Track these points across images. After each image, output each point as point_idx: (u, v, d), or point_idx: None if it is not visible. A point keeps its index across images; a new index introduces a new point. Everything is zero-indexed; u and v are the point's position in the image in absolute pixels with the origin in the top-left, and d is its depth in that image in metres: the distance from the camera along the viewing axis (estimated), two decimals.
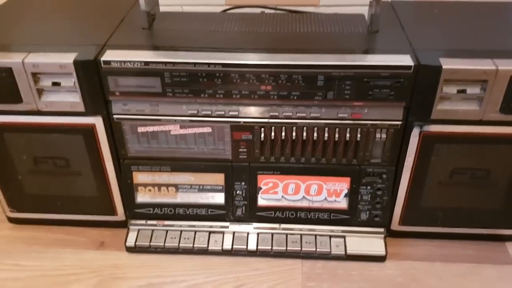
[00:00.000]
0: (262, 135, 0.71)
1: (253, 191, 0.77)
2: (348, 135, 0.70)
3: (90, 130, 0.71)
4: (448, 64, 0.63)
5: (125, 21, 0.76)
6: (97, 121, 0.71)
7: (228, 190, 0.77)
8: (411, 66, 0.63)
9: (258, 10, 0.87)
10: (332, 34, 0.73)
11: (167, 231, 0.79)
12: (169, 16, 0.78)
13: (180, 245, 0.78)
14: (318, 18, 0.77)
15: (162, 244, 0.78)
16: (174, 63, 0.65)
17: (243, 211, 0.78)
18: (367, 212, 0.76)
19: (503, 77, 0.62)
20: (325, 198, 0.76)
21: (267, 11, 0.87)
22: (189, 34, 0.73)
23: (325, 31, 0.73)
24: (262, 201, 0.78)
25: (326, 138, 0.70)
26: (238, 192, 0.77)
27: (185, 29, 0.74)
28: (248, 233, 0.79)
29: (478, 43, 0.69)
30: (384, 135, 0.70)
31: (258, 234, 0.78)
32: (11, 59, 0.66)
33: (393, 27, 0.74)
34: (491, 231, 0.78)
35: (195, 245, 0.78)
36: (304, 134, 0.70)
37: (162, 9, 0.80)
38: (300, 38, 0.72)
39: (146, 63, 0.65)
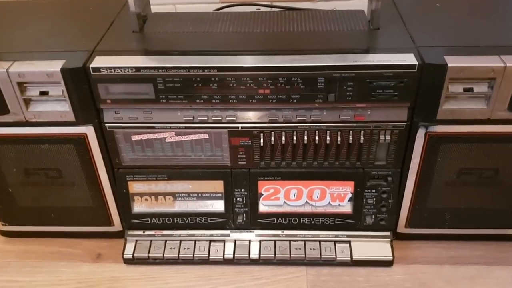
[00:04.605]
0: (262, 140, 0.68)
1: (253, 197, 0.74)
2: (351, 137, 0.67)
3: (81, 140, 0.69)
4: (454, 62, 0.60)
5: (114, 25, 0.73)
6: (89, 130, 0.68)
7: (228, 197, 0.74)
8: (415, 65, 0.61)
9: (253, 8, 0.84)
10: (331, 32, 0.70)
11: (166, 241, 0.77)
12: (161, 17, 0.75)
13: (180, 255, 0.76)
14: (316, 15, 0.74)
15: (161, 254, 0.76)
16: (167, 68, 0.62)
17: (244, 219, 0.76)
18: (373, 216, 0.74)
19: (511, 74, 0.60)
20: (329, 203, 0.74)
21: (262, 8, 0.84)
22: (182, 37, 0.70)
23: (324, 29, 0.70)
24: (263, 207, 0.75)
25: (328, 142, 0.68)
26: (238, 199, 0.74)
27: (178, 31, 0.71)
28: (250, 241, 0.76)
29: (483, 39, 0.67)
30: (388, 137, 0.67)
31: (260, 241, 0.76)
32: None
33: (394, 23, 0.71)
34: (501, 231, 0.76)
35: (195, 255, 0.75)
36: (305, 138, 0.68)
37: (154, 9, 0.77)
38: (298, 38, 0.69)
39: (138, 69, 0.62)
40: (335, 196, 0.73)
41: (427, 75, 0.61)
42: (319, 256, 0.74)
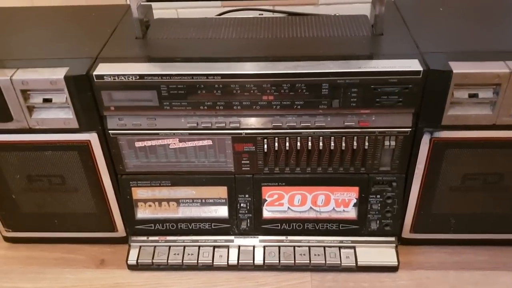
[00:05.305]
0: (265, 146, 0.68)
1: (257, 203, 0.74)
2: (355, 143, 0.67)
3: (85, 147, 0.68)
4: (458, 68, 0.60)
5: (117, 31, 0.73)
6: (92, 137, 0.68)
7: (232, 203, 0.74)
8: (420, 71, 0.60)
9: (256, 13, 0.84)
10: (334, 38, 0.69)
11: (169, 247, 0.76)
12: (163, 23, 0.75)
13: (184, 261, 0.75)
14: (319, 20, 0.74)
15: (165, 260, 0.75)
16: (170, 76, 0.62)
17: (248, 224, 0.76)
18: (377, 221, 0.74)
19: None
20: (333, 209, 0.74)
21: (265, 13, 0.83)
22: (186, 43, 0.69)
23: (327, 35, 0.70)
24: (267, 213, 0.75)
25: (332, 148, 0.67)
26: (242, 205, 0.74)
27: (181, 37, 0.71)
28: (254, 247, 0.76)
29: (488, 44, 0.66)
30: (393, 143, 0.67)
31: (264, 247, 0.76)
32: None
33: (398, 28, 0.71)
34: (505, 236, 0.76)
35: (199, 261, 0.75)
36: (309, 144, 0.67)
37: (156, 13, 0.77)
38: (301, 44, 0.69)
39: (141, 76, 0.62)
40: (340, 202, 0.73)
41: (431, 81, 0.61)
42: (324, 262, 0.74)
